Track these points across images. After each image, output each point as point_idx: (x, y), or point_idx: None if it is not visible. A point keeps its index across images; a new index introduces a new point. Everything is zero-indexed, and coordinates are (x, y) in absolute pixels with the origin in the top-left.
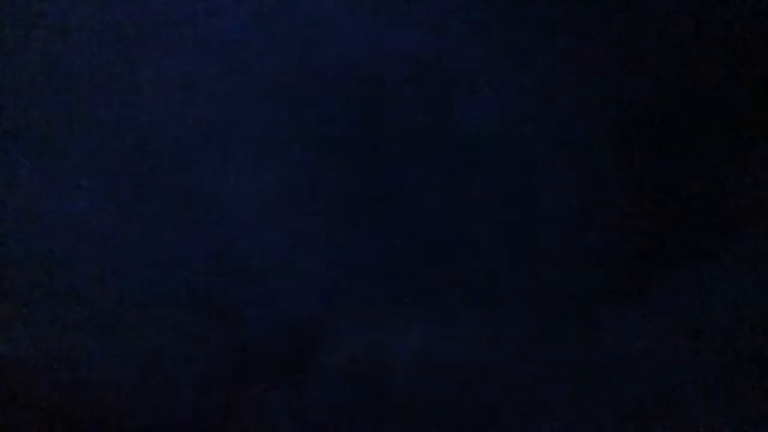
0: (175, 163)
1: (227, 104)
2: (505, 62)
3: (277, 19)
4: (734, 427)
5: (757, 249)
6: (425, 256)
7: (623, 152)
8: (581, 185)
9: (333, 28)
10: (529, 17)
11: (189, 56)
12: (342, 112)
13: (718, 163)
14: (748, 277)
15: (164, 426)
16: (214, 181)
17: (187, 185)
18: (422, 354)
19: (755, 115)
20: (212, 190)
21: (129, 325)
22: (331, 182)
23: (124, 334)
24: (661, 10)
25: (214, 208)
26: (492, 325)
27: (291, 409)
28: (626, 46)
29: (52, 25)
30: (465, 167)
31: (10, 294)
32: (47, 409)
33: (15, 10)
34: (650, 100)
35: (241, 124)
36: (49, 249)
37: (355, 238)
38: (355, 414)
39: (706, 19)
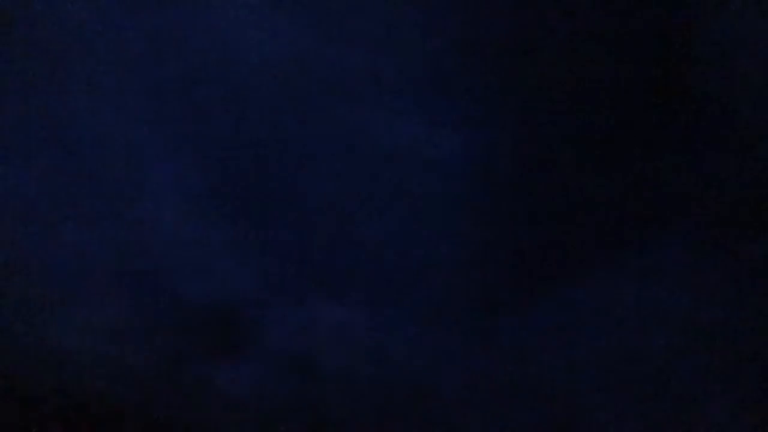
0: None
1: (141, 107)
2: (425, 80)
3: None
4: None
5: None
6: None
7: (537, 166)
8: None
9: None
10: (451, 37)
11: (93, 64)
12: (258, 118)
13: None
14: (648, 288)
15: (111, 396)
16: (140, 175)
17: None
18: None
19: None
20: (140, 183)
21: (69, 302)
22: (250, 182)
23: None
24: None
25: (140, 199)
26: (394, 312)
27: (230, 384)
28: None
29: None
30: (372, 173)
31: None
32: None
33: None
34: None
35: (154, 126)
36: None
37: (269, 231)
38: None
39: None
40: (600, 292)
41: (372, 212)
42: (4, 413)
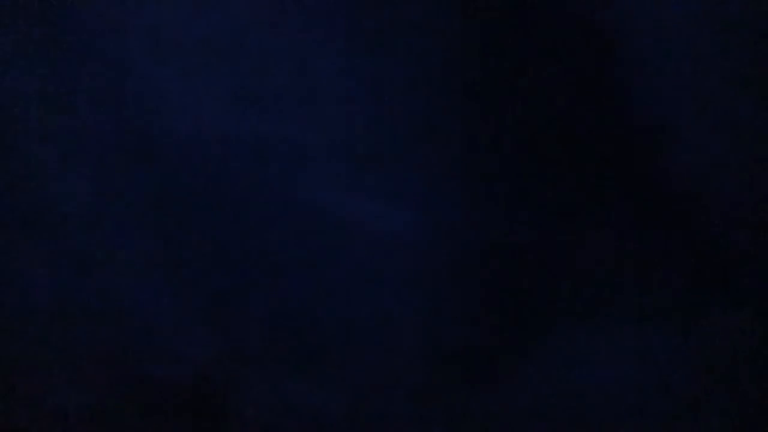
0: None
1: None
2: (343, 143)
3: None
4: None
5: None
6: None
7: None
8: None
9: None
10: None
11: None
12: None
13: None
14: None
15: None
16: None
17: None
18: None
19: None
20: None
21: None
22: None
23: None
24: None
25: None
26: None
27: None
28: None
29: None
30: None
31: None
32: None
33: None
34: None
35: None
36: None
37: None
38: None
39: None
40: (562, 361)
41: (333, 287)
42: None
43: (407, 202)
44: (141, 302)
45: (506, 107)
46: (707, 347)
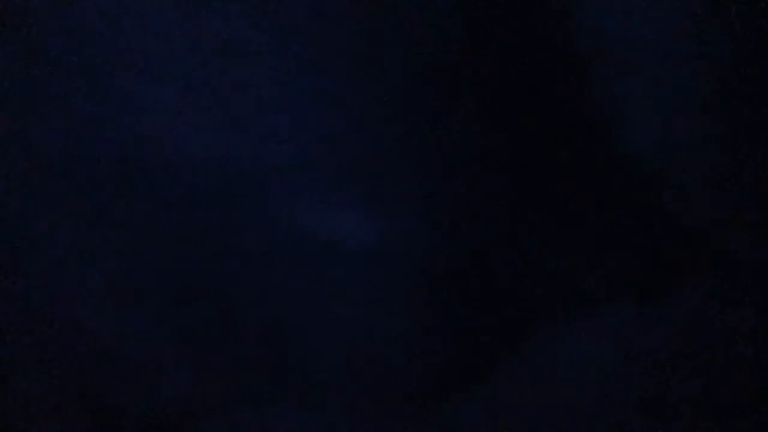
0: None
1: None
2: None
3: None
4: None
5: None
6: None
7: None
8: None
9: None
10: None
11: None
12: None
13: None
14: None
15: None
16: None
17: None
18: None
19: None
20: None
21: None
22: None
23: None
24: None
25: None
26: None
27: None
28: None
29: None
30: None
31: None
32: None
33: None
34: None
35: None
36: None
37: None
38: None
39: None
40: (542, 367)
41: (307, 309)
42: None
43: (380, 214)
44: (114, 330)
45: (477, 114)
46: (673, 326)
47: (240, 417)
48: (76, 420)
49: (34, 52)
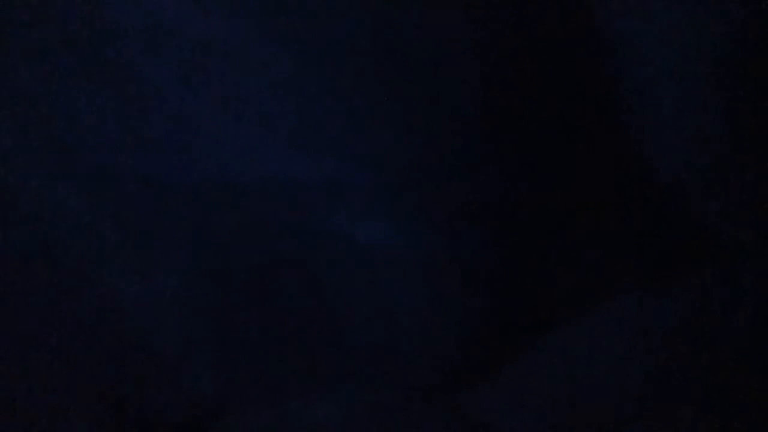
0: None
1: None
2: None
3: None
4: None
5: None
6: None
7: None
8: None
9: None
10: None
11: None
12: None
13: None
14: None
15: None
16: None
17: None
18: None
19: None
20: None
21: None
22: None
23: None
24: None
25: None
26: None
27: None
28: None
29: None
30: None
31: None
32: None
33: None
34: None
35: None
36: None
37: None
38: None
39: None
40: (564, 353)
41: (337, 307)
42: None
43: (406, 223)
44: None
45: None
46: (675, 316)
47: (261, 413)
48: (96, 418)
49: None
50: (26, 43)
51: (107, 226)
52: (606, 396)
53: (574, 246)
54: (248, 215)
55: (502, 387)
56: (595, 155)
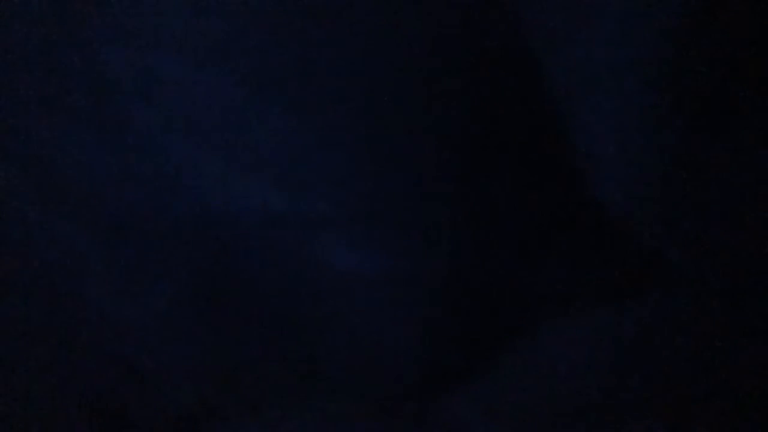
0: None
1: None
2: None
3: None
4: None
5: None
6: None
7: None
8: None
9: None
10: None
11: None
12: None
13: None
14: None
15: None
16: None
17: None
18: None
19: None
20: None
21: None
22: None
23: None
24: None
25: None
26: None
27: None
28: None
29: None
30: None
31: None
32: None
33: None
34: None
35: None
36: None
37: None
38: None
39: None
40: (543, 355)
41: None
42: None
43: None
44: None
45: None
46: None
47: (241, 423)
48: (75, 423)
49: None
50: (28, 89)
51: (98, 252)
52: (573, 402)
53: (536, 264)
54: (229, 246)
55: (473, 396)
56: (543, 176)
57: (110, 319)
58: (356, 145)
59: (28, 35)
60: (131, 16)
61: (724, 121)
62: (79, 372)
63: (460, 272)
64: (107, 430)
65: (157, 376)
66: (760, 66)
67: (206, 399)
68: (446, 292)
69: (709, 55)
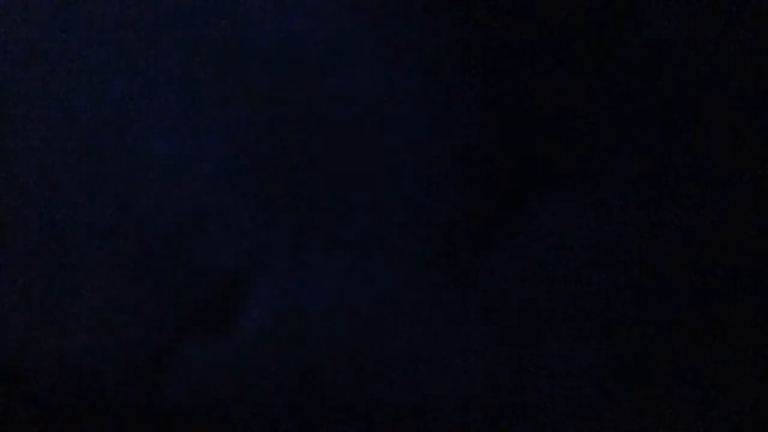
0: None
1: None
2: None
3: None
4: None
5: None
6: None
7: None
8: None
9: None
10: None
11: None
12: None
13: None
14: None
15: (94, 375)
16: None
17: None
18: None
19: None
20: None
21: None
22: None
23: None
24: None
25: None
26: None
27: (212, 362)
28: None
29: None
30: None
31: None
32: None
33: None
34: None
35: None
36: None
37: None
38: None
39: None
40: (560, 219)
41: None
42: None
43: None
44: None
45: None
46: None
47: (286, 267)
48: (138, 270)
49: None
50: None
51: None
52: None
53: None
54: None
55: (498, 250)
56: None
57: (177, 178)
58: None
59: None
60: None
61: None
62: (145, 226)
63: (483, 140)
64: (161, 282)
65: (217, 220)
66: None
67: (254, 248)
68: (467, 157)
69: None
